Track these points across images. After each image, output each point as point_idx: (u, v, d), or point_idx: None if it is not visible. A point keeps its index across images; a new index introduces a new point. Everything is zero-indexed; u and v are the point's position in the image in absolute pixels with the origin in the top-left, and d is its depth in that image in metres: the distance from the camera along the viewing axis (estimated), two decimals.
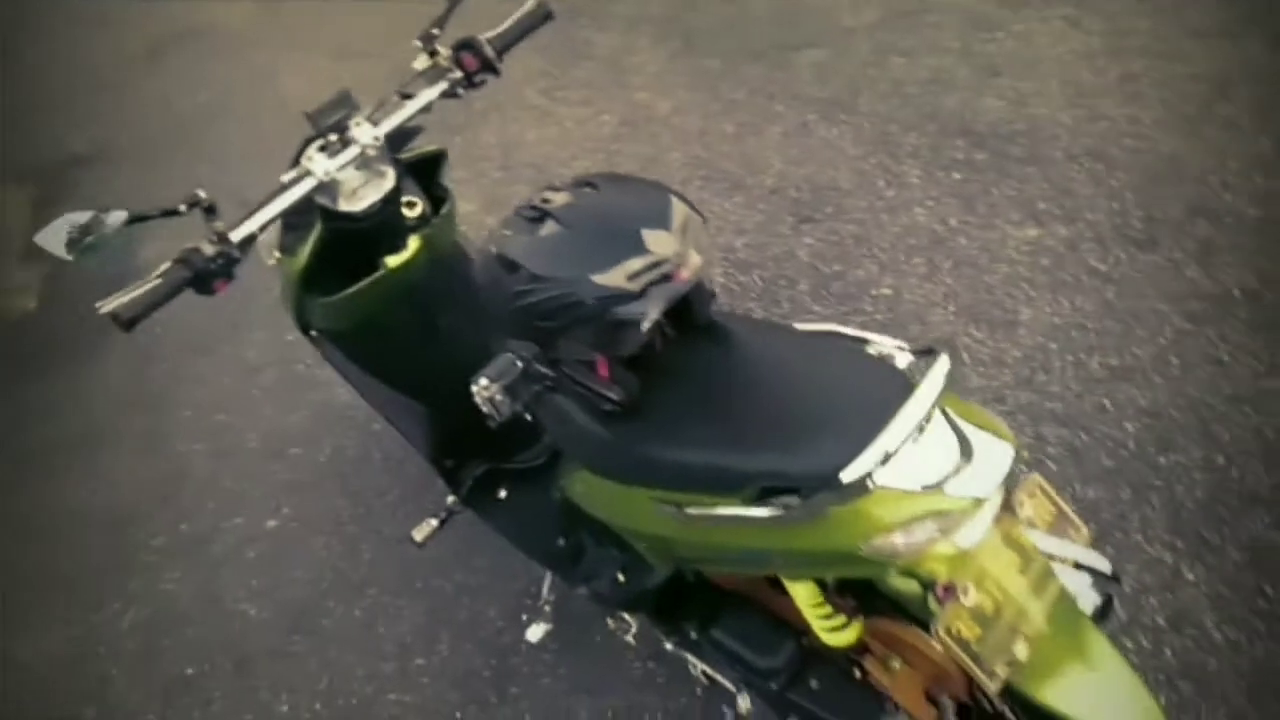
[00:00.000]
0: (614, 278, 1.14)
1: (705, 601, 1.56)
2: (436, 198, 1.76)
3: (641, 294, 1.14)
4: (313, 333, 1.85)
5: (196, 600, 2.37)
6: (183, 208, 1.39)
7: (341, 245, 1.66)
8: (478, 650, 2.11)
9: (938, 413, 1.11)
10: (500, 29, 1.62)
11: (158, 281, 1.31)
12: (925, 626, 1.19)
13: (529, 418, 1.40)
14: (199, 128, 4.07)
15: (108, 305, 1.26)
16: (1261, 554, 1.91)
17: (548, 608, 2.01)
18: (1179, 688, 1.75)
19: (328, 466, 2.58)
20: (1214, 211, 2.57)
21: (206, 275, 1.36)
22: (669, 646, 1.70)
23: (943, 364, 1.10)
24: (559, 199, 1.23)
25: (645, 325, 1.15)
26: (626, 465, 1.31)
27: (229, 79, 4.36)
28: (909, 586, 1.17)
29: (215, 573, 2.41)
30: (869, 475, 1.05)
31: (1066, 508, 1.24)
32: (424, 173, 1.78)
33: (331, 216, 1.60)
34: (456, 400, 1.81)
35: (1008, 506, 1.19)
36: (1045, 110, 3.00)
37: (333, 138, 1.52)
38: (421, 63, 1.62)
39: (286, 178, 1.51)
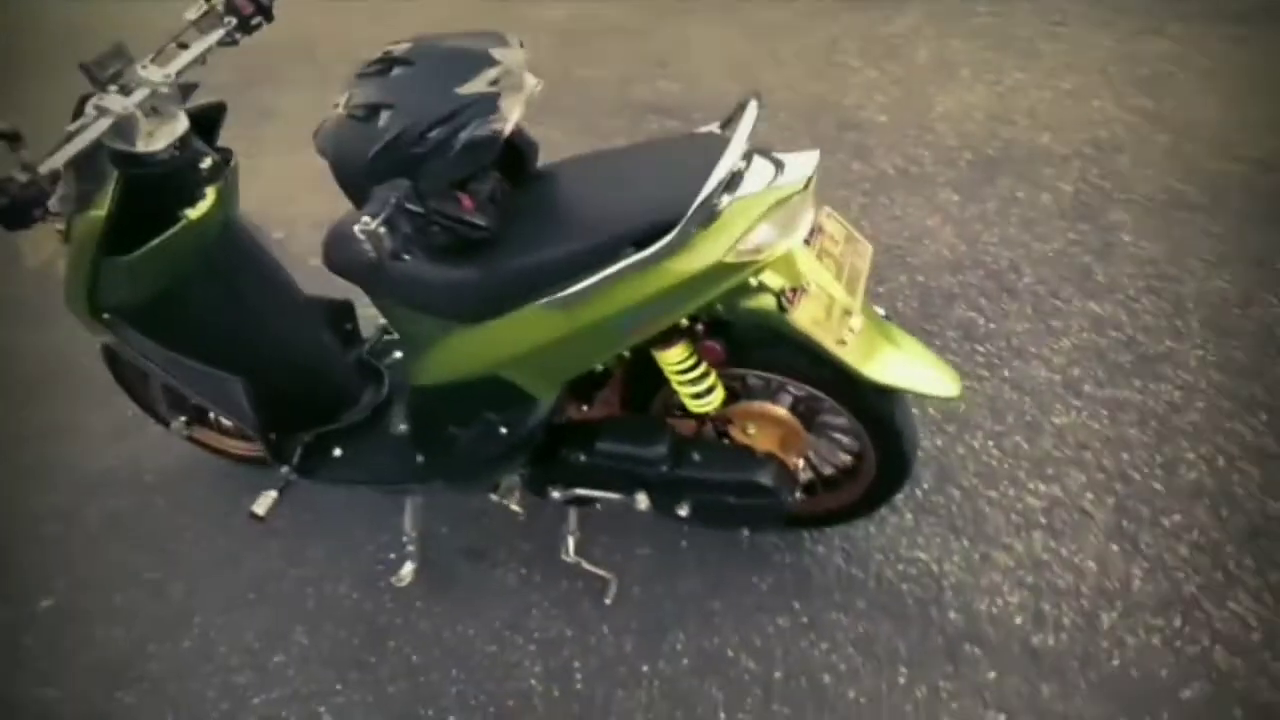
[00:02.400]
0: (476, 85, 1.30)
1: (579, 432, 1.69)
2: (219, 150, 1.79)
3: (499, 97, 1.30)
4: (105, 315, 1.76)
5: None
6: None
7: (137, 199, 1.64)
8: (340, 625, 2.05)
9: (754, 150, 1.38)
10: None
11: None
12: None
13: (405, 257, 1.46)
14: None
15: None
16: None
17: (411, 546, 2.01)
18: None
19: (100, 527, 2.34)
20: None
21: (23, 204, 1.35)
22: (556, 497, 1.79)
23: (752, 107, 1.37)
24: (400, 48, 1.38)
25: (508, 128, 1.31)
26: (507, 289, 1.45)
27: None
28: (763, 303, 1.41)
29: None
30: (720, 195, 1.29)
31: (853, 230, 1.57)
32: (203, 128, 1.81)
33: (128, 161, 1.59)
34: (271, 367, 1.83)
35: (817, 229, 1.49)
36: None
37: (115, 86, 1.52)
38: (194, 11, 1.66)
39: (75, 125, 1.50)
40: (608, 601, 1.94)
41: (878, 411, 1.56)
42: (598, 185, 1.49)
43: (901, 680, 1.71)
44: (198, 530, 2.31)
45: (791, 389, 1.69)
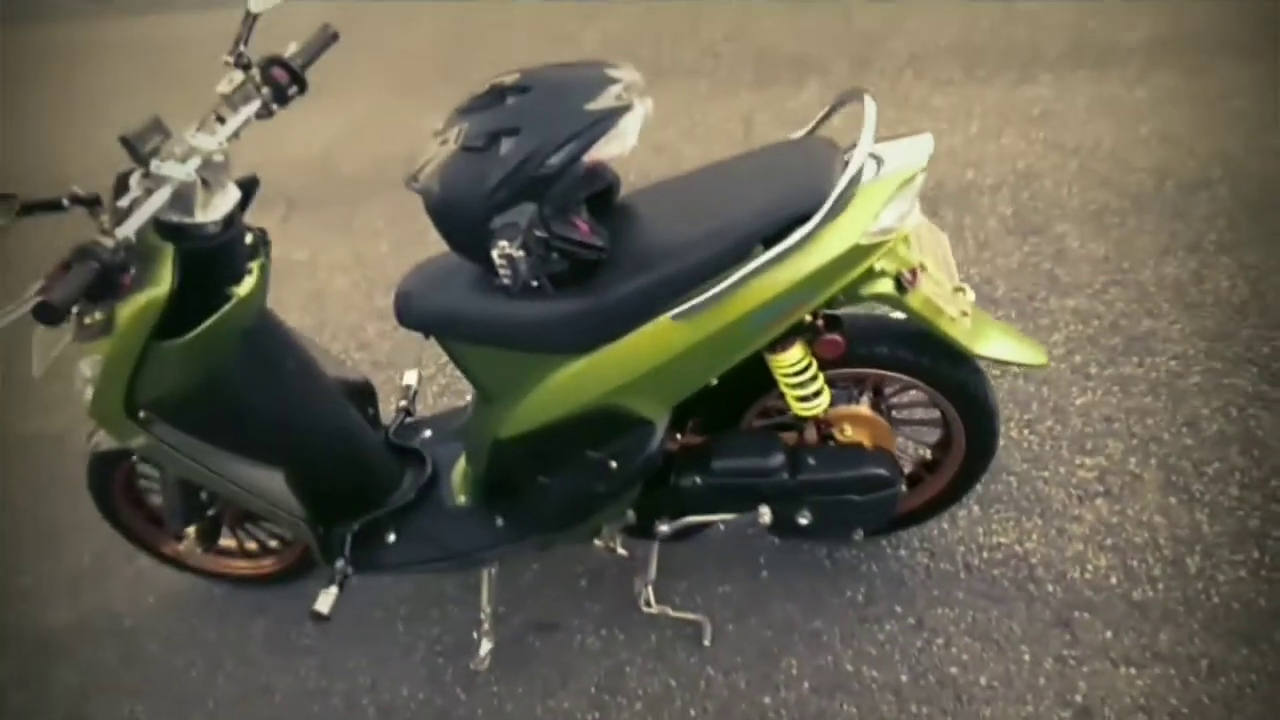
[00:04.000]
0: (605, 101, 1.33)
1: (690, 456, 1.67)
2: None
3: (627, 111, 1.34)
4: (141, 414, 1.61)
5: None
6: (65, 202, 1.27)
7: (189, 277, 1.54)
8: None
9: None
10: (297, 49, 1.69)
11: (75, 270, 1.24)
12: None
13: (535, 284, 1.42)
14: None
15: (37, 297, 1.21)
16: None
17: (486, 625, 1.89)
18: None
19: (82, 686, 2.07)
20: None
21: (111, 270, 1.29)
22: (664, 531, 1.74)
23: (869, 100, 1.45)
24: (509, 78, 1.39)
25: (632, 143, 1.34)
26: (627, 310, 1.46)
27: None
28: (883, 286, 1.48)
29: None
30: (854, 182, 1.36)
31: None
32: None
33: (182, 235, 1.50)
34: (311, 454, 1.75)
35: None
36: None
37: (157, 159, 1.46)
38: (226, 85, 1.61)
39: (128, 198, 1.42)
40: (706, 643, 1.88)
41: (972, 390, 1.64)
42: (700, 199, 1.53)
43: (1026, 658, 1.74)
44: (207, 667, 2.09)
45: (869, 387, 1.75)
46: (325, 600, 1.80)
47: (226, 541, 2.15)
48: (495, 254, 1.35)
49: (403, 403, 2.11)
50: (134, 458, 1.92)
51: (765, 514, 1.65)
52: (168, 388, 1.60)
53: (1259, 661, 1.66)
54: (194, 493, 1.89)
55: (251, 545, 2.18)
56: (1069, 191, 2.82)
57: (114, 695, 2.07)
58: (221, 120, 1.59)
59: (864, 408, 1.74)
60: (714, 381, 1.56)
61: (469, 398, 1.87)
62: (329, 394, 1.84)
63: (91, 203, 1.35)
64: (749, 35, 4.16)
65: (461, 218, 1.40)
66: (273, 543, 2.17)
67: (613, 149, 1.35)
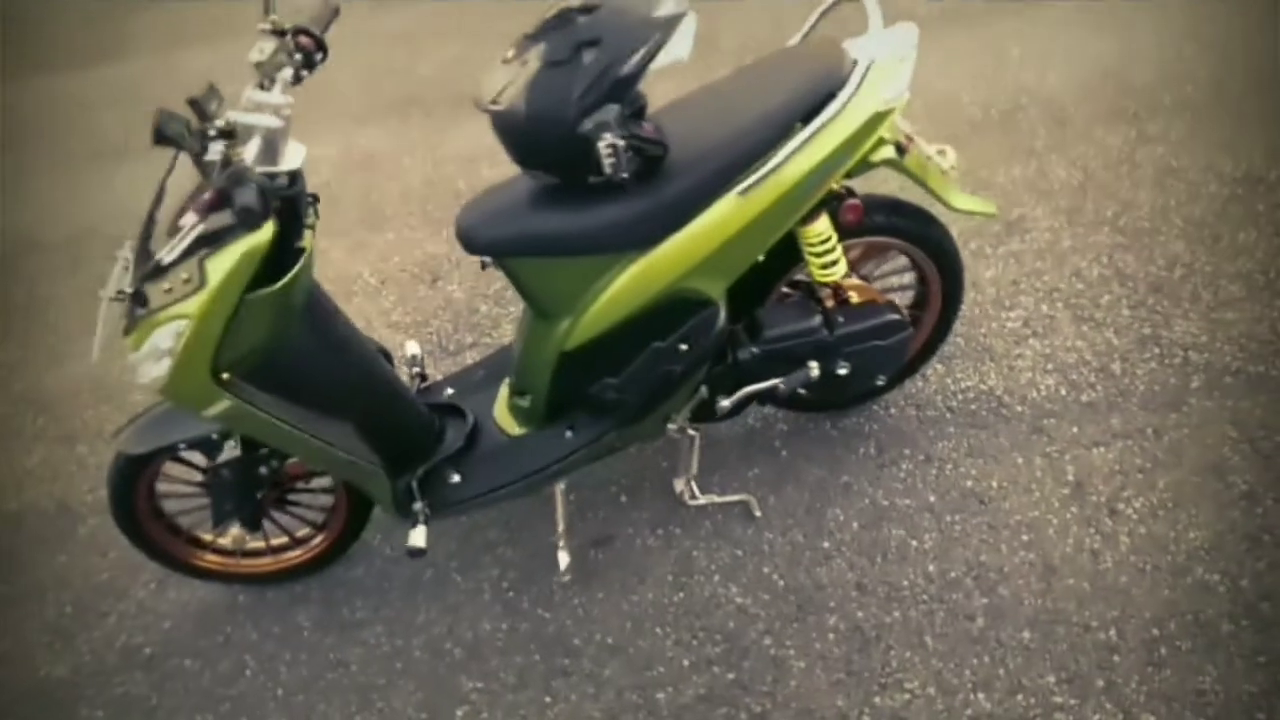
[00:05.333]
0: (668, 8, 1.57)
1: (744, 331, 1.92)
2: None
3: (686, 15, 1.59)
4: (225, 375, 1.65)
5: None
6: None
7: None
8: (509, 655, 2.00)
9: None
10: (308, 19, 1.78)
11: (242, 189, 1.38)
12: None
13: (624, 177, 1.61)
14: None
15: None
16: None
17: (562, 540, 2.02)
18: None
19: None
20: None
21: (266, 194, 1.42)
22: (725, 406, 1.96)
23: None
24: (573, 2, 1.59)
25: (691, 44, 1.59)
26: (693, 197, 1.69)
27: None
28: (887, 152, 1.81)
29: None
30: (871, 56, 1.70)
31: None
32: None
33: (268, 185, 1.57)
34: (369, 408, 1.88)
35: None
36: None
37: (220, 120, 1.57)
38: (258, 54, 1.69)
39: (216, 153, 1.51)
40: (757, 514, 2.12)
41: (947, 247, 2.02)
42: (734, 98, 1.80)
43: (1020, 461, 2.12)
44: (261, 664, 2.07)
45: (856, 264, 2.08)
46: (418, 535, 1.88)
47: (254, 543, 2.13)
48: (602, 146, 1.55)
49: (415, 370, 2.20)
50: (179, 449, 1.88)
51: (814, 368, 1.92)
52: (255, 342, 1.66)
53: (1184, 419, 2.14)
54: (243, 479, 1.89)
55: (277, 540, 2.17)
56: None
57: (159, 718, 1.99)
58: (263, 86, 1.68)
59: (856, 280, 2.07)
60: (761, 257, 1.83)
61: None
62: (368, 350, 1.92)
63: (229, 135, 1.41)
64: None
65: (551, 126, 1.58)
66: (301, 531, 2.18)
67: (677, 51, 1.60)
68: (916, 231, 1.98)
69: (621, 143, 1.57)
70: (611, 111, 1.58)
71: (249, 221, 1.35)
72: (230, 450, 1.85)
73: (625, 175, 1.62)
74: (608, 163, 1.58)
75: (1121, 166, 2.92)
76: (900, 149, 1.83)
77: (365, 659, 2.02)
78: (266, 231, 1.54)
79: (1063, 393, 2.26)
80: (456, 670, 1.97)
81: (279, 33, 1.69)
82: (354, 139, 4.08)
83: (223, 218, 1.55)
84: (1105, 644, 1.78)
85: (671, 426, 1.99)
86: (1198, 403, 2.17)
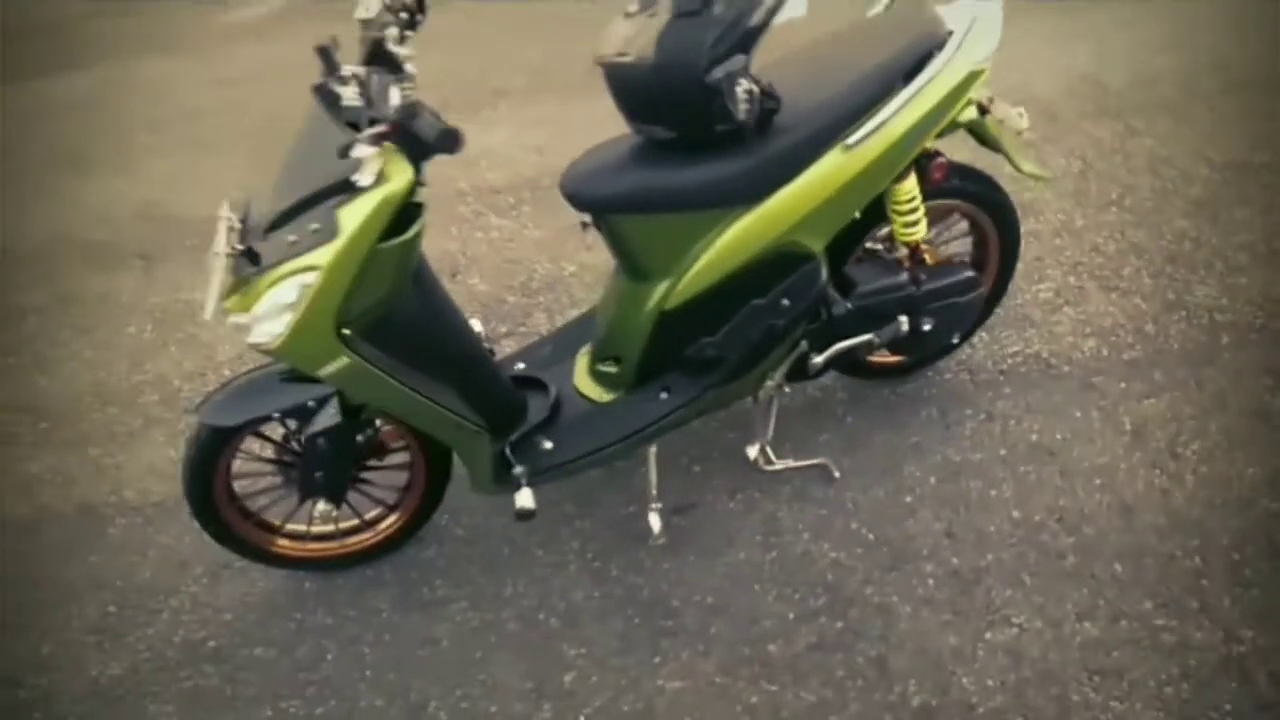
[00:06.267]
0: None
1: (837, 289, 2.00)
2: None
3: None
4: (346, 331, 1.64)
5: None
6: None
7: None
8: (608, 619, 2.00)
9: None
10: None
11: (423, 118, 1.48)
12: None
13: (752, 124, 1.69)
14: None
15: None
16: None
17: (656, 504, 2.05)
18: None
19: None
20: None
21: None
22: (817, 363, 2.03)
23: None
24: None
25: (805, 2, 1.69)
26: (803, 151, 1.78)
27: None
28: (971, 112, 1.93)
29: None
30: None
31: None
32: None
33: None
34: (467, 374, 1.90)
35: None
36: None
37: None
38: (364, 12, 1.71)
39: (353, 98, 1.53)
40: (836, 475, 2.19)
41: (1008, 208, 2.16)
42: (836, 59, 1.91)
43: (1078, 414, 2.26)
44: (342, 647, 2.02)
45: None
46: (525, 497, 1.88)
47: (322, 527, 2.09)
48: (740, 91, 1.63)
49: (486, 344, 2.21)
50: (273, 417, 1.84)
51: (903, 322, 2.01)
52: (378, 295, 1.66)
53: (1221, 371, 2.32)
54: (339, 447, 1.86)
55: (346, 523, 2.12)
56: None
57: (239, 707, 1.91)
58: (369, 43, 1.70)
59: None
60: (858, 215, 1.92)
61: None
62: (460, 316, 1.93)
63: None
64: None
65: (682, 75, 1.64)
66: (371, 513, 2.14)
67: (797, 7, 1.69)
68: (985, 194, 2.11)
69: (756, 88, 1.65)
70: (740, 61, 1.65)
71: (450, 144, 1.37)
72: (330, 417, 1.82)
73: (752, 122, 1.69)
74: (743, 107, 1.65)
75: (1115, 156, 3.15)
76: (982, 110, 1.96)
77: (455, 634, 1.99)
78: (406, 178, 1.56)
79: (1104, 353, 2.41)
80: (555, 638, 1.96)
81: None
82: None
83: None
84: (1192, 570, 1.90)
85: (769, 384, 2.05)
86: (1230, 356, 2.35)
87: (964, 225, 2.23)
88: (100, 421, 2.71)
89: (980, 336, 2.49)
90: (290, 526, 2.10)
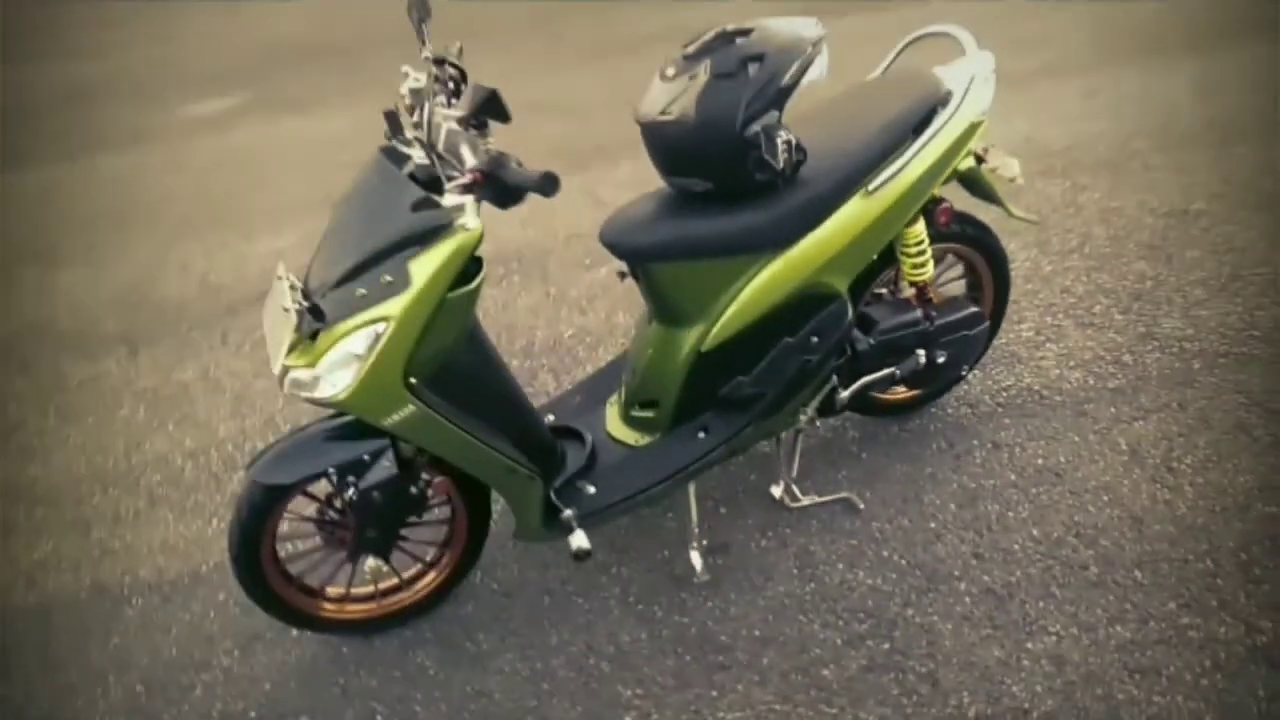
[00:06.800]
0: (814, 32, 1.85)
1: (859, 327, 2.13)
2: None
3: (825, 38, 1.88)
4: (413, 380, 1.71)
5: None
6: None
7: None
8: (658, 659, 2.04)
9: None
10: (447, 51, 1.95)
11: (512, 167, 1.57)
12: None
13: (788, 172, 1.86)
14: None
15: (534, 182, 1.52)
16: None
17: (696, 542, 2.11)
18: None
19: None
20: None
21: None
22: (844, 397, 2.15)
23: (961, 31, 2.14)
24: (729, 27, 1.84)
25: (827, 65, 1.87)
26: (828, 198, 1.94)
27: None
28: (969, 162, 2.12)
29: None
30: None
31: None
32: None
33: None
34: (520, 418, 2.01)
35: None
36: None
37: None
38: (413, 83, 1.82)
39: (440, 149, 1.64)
40: (861, 506, 2.29)
41: (999, 250, 2.35)
42: (853, 113, 2.09)
43: (1075, 439, 2.42)
44: (391, 709, 2.01)
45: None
46: (579, 538, 1.93)
47: (361, 589, 2.10)
48: (780, 141, 1.78)
49: None
50: (328, 473, 1.86)
51: (921, 356, 2.15)
52: (444, 343, 1.73)
53: (1199, 393, 2.52)
54: (394, 500, 1.89)
55: (386, 584, 2.13)
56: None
57: None
58: (409, 109, 1.82)
59: None
60: (875, 258, 2.07)
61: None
62: (503, 367, 2.00)
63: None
64: None
65: (721, 130, 1.79)
66: (409, 571, 2.15)
67: (819, 69, 1.86)
68: (980, 238, 2.30)
69: (793, 139, 1.81)
70: (774, 116, 1.81)
71: (549, 187, 1.46)
72: (385, 470, 1.85)
73: (789, 171, 1.84)
74: (782, 157, 1.80)
75: (1068, 209, 3.42)
76: (978, 159, 2.16)
77: (507, 686, 2.00)
78: (477, 228, 1.65)
79: (1090, 382, 2.59)
80: (609, 681, 1.98)
81: (438, 61, 1.84)
82: (317, 228, 4.12)
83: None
84: (1206, 571, 2.03)
85: (803, 418, 2.15)
86: (1205, 379, 2.56)
87: (959, 269, 2.42)
88: (101, 504, 2.67)
89: (975, 374, 2.65)
90: (330, 589, 2.10)
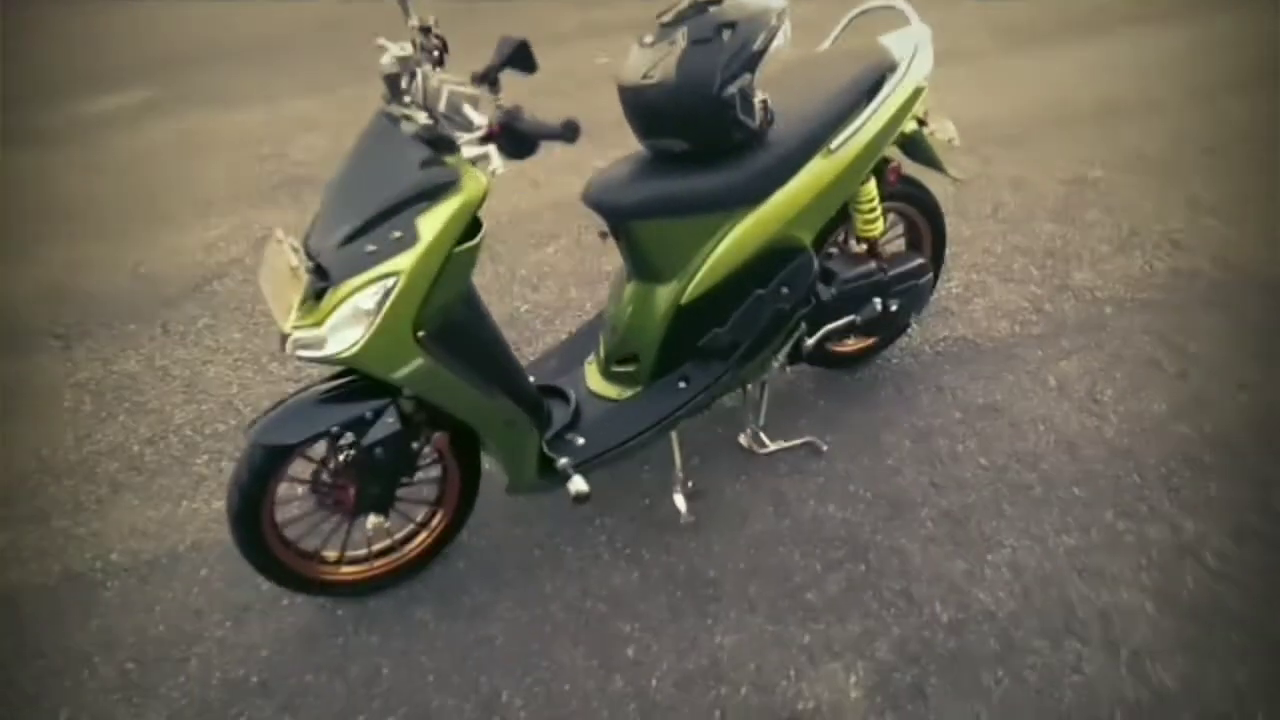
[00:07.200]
0: (779, 3, 2.00)
1: (821, 279, 2.29)
2: None
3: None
4: (421, 334, 1.78)
5: None
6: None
7: None
8: (650, 597, 2.15)
9: None
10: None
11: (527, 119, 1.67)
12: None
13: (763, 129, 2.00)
14: None
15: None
16: None
17: (680, 485, 2.24)
18: None
19: None
20: None
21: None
22: (809, 344, 2.32)
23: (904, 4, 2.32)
24: None
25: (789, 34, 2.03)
26: (795, 157, 2.09)
27: None
28: (913, 125, 2.31)
29: None
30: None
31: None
32: None
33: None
34: (513, 373, 2.09)
35: None
36: None
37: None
38: (399, 51, 1.87)
39: (442, 109, 1.72)
40: (825, 449, 2.46)
41: (936, 207, 2.55)
42: (812, 79, 2.25)
43: (1010, 379, 2.66)
44: (396, 663, 2.07)
45: None
46: (578, 482, 2.03)
47: (357, 551, 2.15)
48: (756, 101, 1.93)
49: None
50: (332, 431, 1.90)
51: (878, 304, 2.33)
52: (449, 297, 1.81)
53: (1112, 334, 2.79)
54: (396, 456, 1.95)
55: (379, 544, 2.18)
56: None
57: None
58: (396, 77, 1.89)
59: None
60: (834, 214, 2.24)
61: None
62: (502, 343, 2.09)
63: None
64: None
65: (700, 92, 1.93)
66: (401, 533, 2.21)
67: (783, 38, 2.01)
68: (922, 198, 2.50)
69: (767, 100, 1.96)
70: (749, 79, 1.96)
71: (571, 134, 1.56)
72: (388, 426, 1.90)
73: (762, 131, 1.99)
74: (759, 115, 1.95)
75: (981, 179, 3.71)
76: (920, 122, 2.35)
77: (508, 631, 2.08)
78: (483, 184, 1.73)
79: (1017, 329, 2.85)
80: (608, 619, 2.09)
81: (424, 30, 1.91)
82: (249, 217, 4.08)
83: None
84: (1134, 484, 2.28)
85: (774, 365, 2.31)
86: (1116, 322, 2.85)
87: (900, 228, 2.62)
88: (58, 494, 2.61)
89: (915, 327, 2.87)
90: (325, 552, 2.13)
